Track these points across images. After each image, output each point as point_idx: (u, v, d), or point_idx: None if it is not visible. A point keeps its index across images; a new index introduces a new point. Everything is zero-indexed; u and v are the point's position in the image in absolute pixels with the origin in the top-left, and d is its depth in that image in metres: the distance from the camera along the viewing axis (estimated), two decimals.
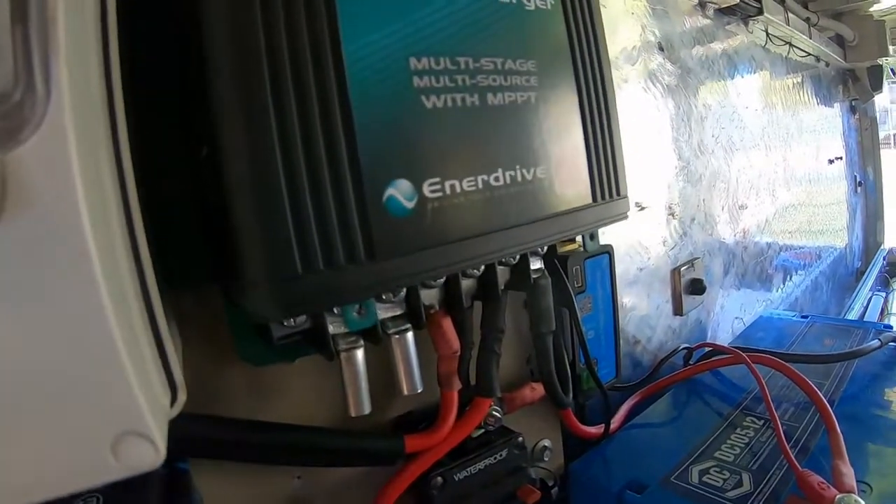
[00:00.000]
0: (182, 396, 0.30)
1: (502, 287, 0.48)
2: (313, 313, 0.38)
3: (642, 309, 0.92)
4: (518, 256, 0.47)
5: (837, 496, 0.50)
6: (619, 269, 0.80)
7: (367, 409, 0.41)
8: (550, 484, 0.62)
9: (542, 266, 0.52)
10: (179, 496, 0.36)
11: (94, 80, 0.24)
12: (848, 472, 0.54)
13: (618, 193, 0.50)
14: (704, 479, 0.59)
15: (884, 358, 0.85)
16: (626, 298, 0.88)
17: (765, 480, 0.57)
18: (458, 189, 0.37)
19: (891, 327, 0.97)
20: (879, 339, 0.86)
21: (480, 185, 0.38)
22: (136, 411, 0.25)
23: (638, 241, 0.91)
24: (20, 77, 0.21)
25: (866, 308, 2.20)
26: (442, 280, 0.43)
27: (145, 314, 0.27)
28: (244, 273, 0.31)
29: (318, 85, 0.31)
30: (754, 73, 1.49)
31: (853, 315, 2.08)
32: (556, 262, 0.56)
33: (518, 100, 0.41)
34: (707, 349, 0.88)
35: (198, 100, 0.32)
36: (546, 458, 0.66)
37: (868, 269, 2.57)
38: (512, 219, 0.40)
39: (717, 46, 1.27)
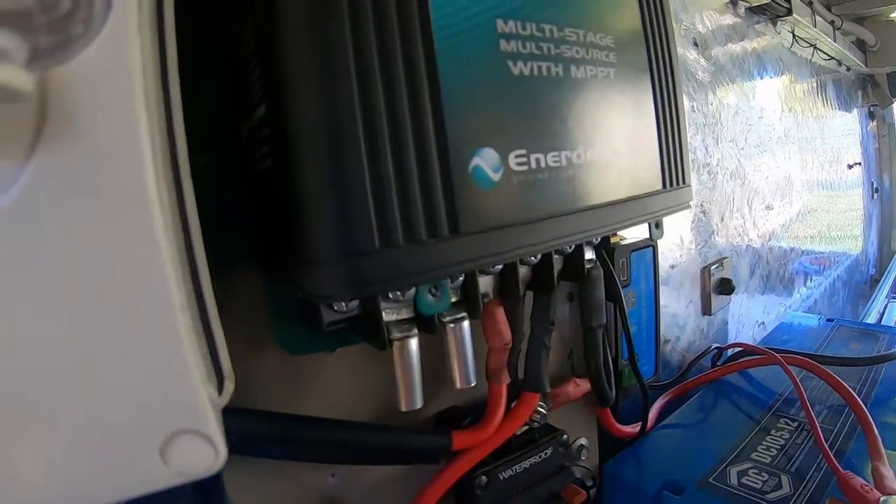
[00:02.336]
0: (230, 386, 0.27)
1: (556, 277, 0.46)
2: (373, 296, 0.36)
3: (672, 307, 0.91)
4: (573, 245, 0.45)
5: (882, 498, 0.49)
6: None
7: (419, 404, 0.39)
8: (589, 484, 0.60)
9: (595, 257, 0.50)
10: (209, 496, 0.34)
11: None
12: (889, 475, 0.53)
13: (684, 181, 0.48)
14: (743, 480, 0.58)
15: None
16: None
17: (803, 483, 0.56)
18: (542, 164, 0.35)
19: None
20: None
21: (564, 162, 0.36)
22: (195, 402, 0.21)
23: (671, 240, 0.90)
24: None
25: (882, 315, 2.19)
26: (499, 267, 0.41)
27: (192, 292, 0.24)
28: (312, 248, 0.28)
29: (403, 40, 0.29)
30: (780, 74, 1.49)
31: (870, 322, 2.07)
32: (604, 254, 0.55)
33: (599, 75, 0.39)
34: (737, 349, 0.87)
35: (253, 61, 0.30)
36: (583, 458, 0.65)
37: (884, 277, 2.56)
38: (593, 198, 0.38)
39: (748, 45, 1.26)
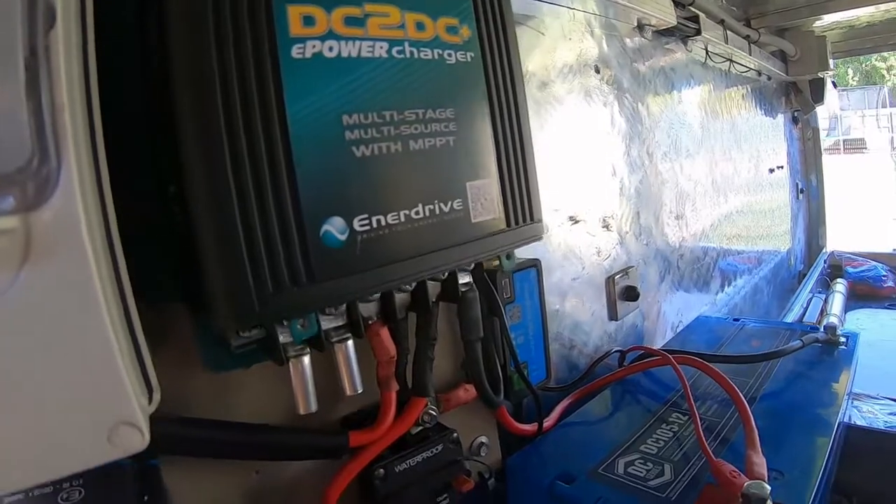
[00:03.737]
0: (157, 396, 0.37)
1: (433, 300, 0.55)
2: (266, 326, 0.44)
3: (577, 315, 0.99)
4: (446, 273, 0.54)
5: (747, 483, 0.54)
6: (553, 279, 0.87)
7: (313, 408, 0.47)
8: (487, 476, 0.68)
9: (471, 280, 0.58)
10: (151, 487, 0.42)
11: (83, 136, 0.32)
12: (759, 462, 0.59)
13: (531, 219, 0.57)
14: (629, 470, 0.64)
15: (807, 357, 0.92)
16: (561, 306, 0.94)
17: (685, 470, 0.63)
18: (383, 223, 0.44)
19: (816, 328, 1.03)
20: (801, 340, 0.93)
21: (402, 219, 0.46)
22: (129, 405, 0.32)
23: (572, 253, 0.98)
24: (35, 154, 0.28)
25: (806, 309, 2.29)
26: (378, 295, 0.50)
27: (127, 328, 0.34)
28: (207, 294, 0.38)
29: (267, 140, 0.39)
30: (693, 88, 1.57)
31: (793, 316, 2.16)
32: (484, 276, 0.62)
33: (437, 144, 0.48)
34: (639, 352, 0.94)
35: (167, 150, 0.39)
36: (483, 454, 0.72)
37: (809, 272, 2.67)
38: (432, 245, 0.48)
39: (655, 65, 1.34)
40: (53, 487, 0.38)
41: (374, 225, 0.44)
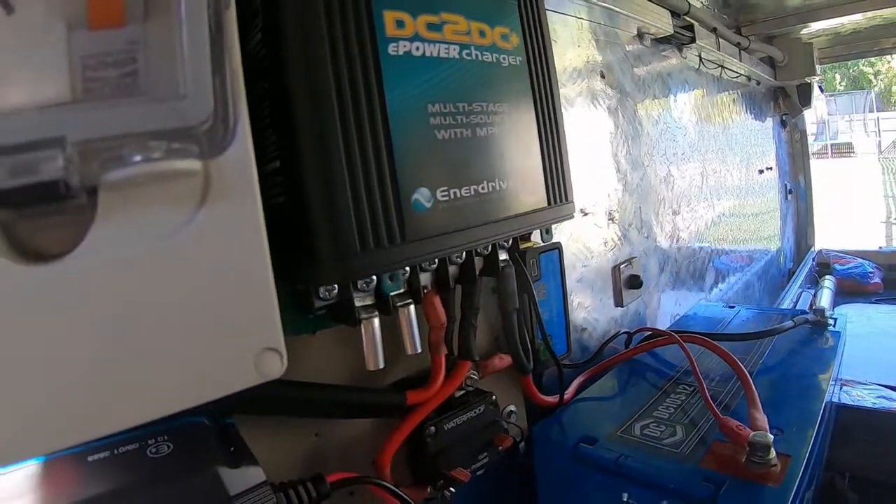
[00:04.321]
0: None
1: (478, 272, 0.62)
2: (354, 284, 0.51)
3: (588, 302, 1.06)
4: (490, 248, 0.61)
5: (752, 434, 0.60)
6: (566, 267, 0.93)
7: (381, 364, 0.54)
8: (518, 440, 0.74)
9: (508, 258, 0.66)
10: (233, 442, 0.45)
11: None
12: (761, 418, 0.65)
13: (566, 199, 0.65)
14: (645, 431, 0.70)
15: (798, 337, 0.99)
16: (574, 293, 1.00)
17: (694, 431, 0.69)
18: (458, 195, 0.53)
19: (805, 312, 1.09)
20: (793, 321, 1.00)
21: (472, 192, 0.54)
22: (276, 332, 0.39)
23: (583, 243, 1.05)
24: (218, 111, 0.35)
25: (795, 304, 2.35)
26: (434, 266, 0.57)
27: None
28: (317, 252, 0.46)
29: (371, 121, 0.47)
30: (688, 92, 1.64)
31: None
32: (517, 255, 0.70)
33: (496, 132, 0.57)
34: (646, 333, 0.99)
35: (272, 132, 0.47)
36: (513, 420, 0.79)
37: (798, 269, 2.74)
38: (492, 215, 0.56)
39: (653, 70, 1.41)
40: (139, 444, 0.41)
41: (452, 196, 0.52)
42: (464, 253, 0.58)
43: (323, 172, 0.45)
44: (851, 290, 2.60)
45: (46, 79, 0.30)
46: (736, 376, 0.79)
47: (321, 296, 0.50)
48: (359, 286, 0.51)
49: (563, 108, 0.66)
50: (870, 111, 14.48)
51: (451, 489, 0.64)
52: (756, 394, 0.71)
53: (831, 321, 1.03)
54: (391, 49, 0.49)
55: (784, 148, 2.89)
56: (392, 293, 0.54)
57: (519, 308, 0.71)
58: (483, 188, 0.55)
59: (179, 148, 0.33)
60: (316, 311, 0.51)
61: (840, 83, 15.41)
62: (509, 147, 0.59)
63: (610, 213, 1.14)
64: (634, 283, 1.18)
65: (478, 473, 0.66)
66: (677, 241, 1.47)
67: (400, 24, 0.50)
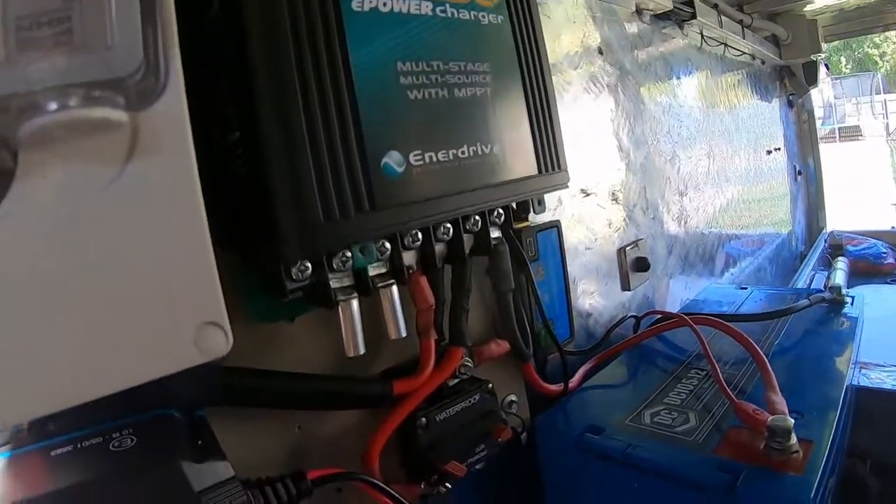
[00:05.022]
0: None
1: (468, 251, 0.58)
2: (329, 263, 0.47)
3: (592, 286, 1.02)
4: (480, 224, 0.57)
5: (771, 417, 0.57)
6: (568, 248, 0.90)
7: (362, 350, 0.50)
8: (519, 431, 0.70)
9: (501, 235, 0.62)
10: (202, 434, 0.43)
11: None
12: (780, 400, 0.62)
13: (558, 167, 0.61)
14: (655, 419, 0.67)
15: (815, 317, 0.96)
16: (578, 278, 0.97)
17: (708, 417, 0.66)
18: (434, 159, 0.49)
19: (821, 290, 1.06)
20: (808, 299, 0.97)
21: (451, 157, 0.51)
22: (216, 304, 0.35)
23: (586, 225, 1.01)
24: (149, 62, 0.32)
25: (808, 286, 2.30)
26: (419, 242, 0.53)
27: None
28: (278, 226, 0.42)
29: (333, 81, 0.44)
30: (690, 72, 1.60)
31: None
32: (511, 232, 0.65)
33: (477, 93, 0.54)
34: (655, 317, 0.96)
35: (231, 99, 0.43)
36: (514, 410, 0.75)
37: (810, 252, 2.69)
38: (475, 182, 0.53)
39: (654, 49, 1.37)
40: (103, 437, 0.39)
41: (427, 160, 0.49)
42: (451, 229, 0.54)
43: (281, 135, 0.41)
44: (865, 271, 2.56)
45: None
46: (751, 359, 0.76)
47: (294, 276, 0.46)
48: (334, 265, 0.47)
49: (560, 87, 0.62)
50: (876, 93, 14.41)
51: (447, 485, 0.60)
52: (773, 376, 0.68)
53: (848, 300, 1.00)
54: (355, 4, 0.46)
55: (792, 129, 2.84)
56: (371, 272, 0.51)
57: (515, 289, 0.67)
58: (463, 152, 0.52)
59: (99, 96, 0.31)
60: (290, 293, 0.47)
61: (846, 66, 15.32)
62: (493, 110, 0.55)
63: (613, 194, 1.11)
64: (642, 265, 1.14)
65: (476, 467, 0.63)
66: (685, 223, 1.43)
67: None
